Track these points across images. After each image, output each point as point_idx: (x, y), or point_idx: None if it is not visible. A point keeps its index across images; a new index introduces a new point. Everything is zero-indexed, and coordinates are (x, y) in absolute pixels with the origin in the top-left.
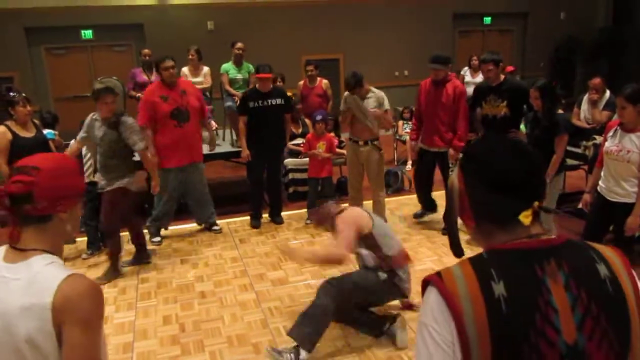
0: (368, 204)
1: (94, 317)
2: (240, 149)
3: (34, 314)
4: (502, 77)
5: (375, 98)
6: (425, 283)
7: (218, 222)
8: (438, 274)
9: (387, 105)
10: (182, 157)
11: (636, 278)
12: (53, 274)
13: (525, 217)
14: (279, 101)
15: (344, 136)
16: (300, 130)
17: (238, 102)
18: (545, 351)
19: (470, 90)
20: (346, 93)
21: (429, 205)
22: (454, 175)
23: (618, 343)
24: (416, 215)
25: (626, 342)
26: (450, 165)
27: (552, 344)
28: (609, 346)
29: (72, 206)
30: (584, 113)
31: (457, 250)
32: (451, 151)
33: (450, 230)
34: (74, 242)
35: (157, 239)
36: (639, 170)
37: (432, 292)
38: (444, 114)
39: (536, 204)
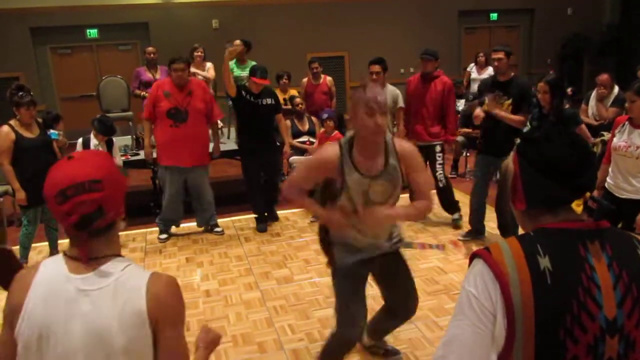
0: None
1: (183, 312)
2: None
3: (132, 322)
4: (512, 73)
5: (390, 95)
6: (472, 256)
7: (223, 220)
8: (486, 248)
9: (401, 102)
10: (178, 158)
11: None
12: (136, 276)
13: (577, 206)
14: (269, 101)
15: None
16: (306, 128)
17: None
18: (586, 323)
19: (476, 87)
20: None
21: None
22: (510, 159)
23: None
24: None
25: None
26: (438, 159)
27: (593, 317)
28: None
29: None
30: (592, 109)
31: (506, 231)
32: (446, 146)
33: (501, 211)
34: None
35: (164, 236)
36: None
37: (479, 262)
38: (432, 108)
39: (587, 194)
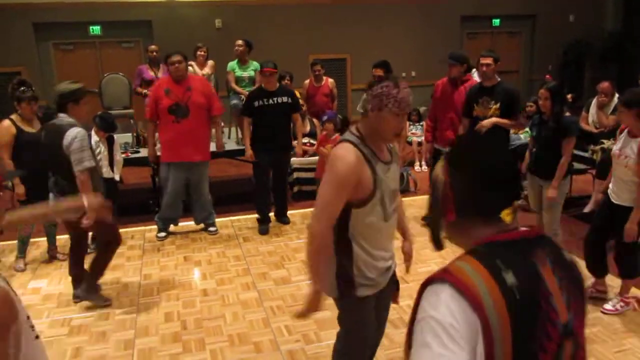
0: None
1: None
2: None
3: None
4: (498, 79)
5: None
6: (430, 281)
7: (223, 219)
8: (445, 271)
9: None
10: (180, 153)
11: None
12: None
13: (507, 215)
14: (285, 99)
15: None
16: (307, 129)
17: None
18: (551, 332)
19: None
20: (364, 95)
21: None
22: (439, 168)
23: (585, 317)
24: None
25: (585, 313)
26: None
27: (554, 325)
28: (584, 322)
29: None
30: (592, 117)
31: (438, 244)
32: None
33: (433, 223)
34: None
35: (162, 234)
36: (637, 176)
37: (445, 289)
38: (461, 113)
39: (516, 202)
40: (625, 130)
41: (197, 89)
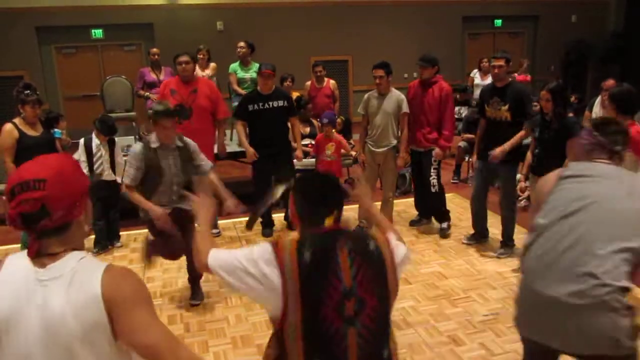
0: (376, 204)
1: (142, 292)
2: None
3: (87, 307)
4: (509, 79)
5: (396, 100)
6: (267, 245)
7: (225, 221)
8: (275, 241)
9: (405, 107)
10: None
11: (393, 250)
12: (91, 266)
13: (328, 221)
14: (280, 103)
15: (355, 138)
16: (308, 131)
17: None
18: (332, 292)
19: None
20: (366, 96)
21: (423, 211)
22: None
23: (378, 287)
24: (412, 223)
25: (384, 285)
26: (433, 164)
27: (336, 288)
28: (372, 290)
29: (85, 206)
30: (595, 115)
31: (250, 226)
32: (437, 150)
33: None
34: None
35: None
36: None
37: (269, 247)
38: (430, 114)
39: (335, 212)
40: None
41: (203, 92)
